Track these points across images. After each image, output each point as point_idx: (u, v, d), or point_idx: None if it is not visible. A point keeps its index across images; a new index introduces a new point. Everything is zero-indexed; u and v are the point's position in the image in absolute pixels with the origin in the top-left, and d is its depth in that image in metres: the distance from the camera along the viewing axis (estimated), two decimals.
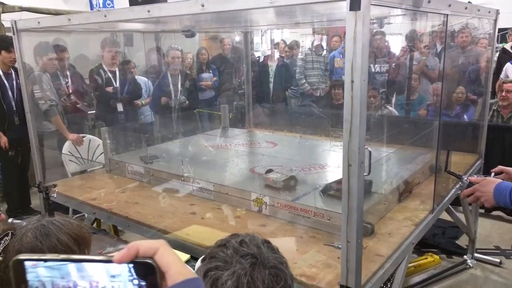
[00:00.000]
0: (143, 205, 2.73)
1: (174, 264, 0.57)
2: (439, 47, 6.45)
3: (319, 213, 2.27)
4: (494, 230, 4.24)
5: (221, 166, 3.18)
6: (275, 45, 7.81)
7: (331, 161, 3.17)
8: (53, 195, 2.46)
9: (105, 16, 2.24)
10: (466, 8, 2.60)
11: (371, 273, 1.84)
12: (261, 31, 9.73)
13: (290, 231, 2.30)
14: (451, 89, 4.92)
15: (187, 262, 2.12)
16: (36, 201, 5.16)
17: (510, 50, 6.13)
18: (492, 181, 1.79)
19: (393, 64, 6.02)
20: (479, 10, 2.90)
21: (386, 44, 6.30)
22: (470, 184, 1.86)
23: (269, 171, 2.81)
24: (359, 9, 1.44)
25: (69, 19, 2.43)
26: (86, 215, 3.95)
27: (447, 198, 2.74)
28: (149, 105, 5.30)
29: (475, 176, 1.92)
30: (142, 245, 0.56)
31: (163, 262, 0.56)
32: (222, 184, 2.74)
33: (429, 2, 1.96)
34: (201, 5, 1.82)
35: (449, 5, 2.28)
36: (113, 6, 11.10)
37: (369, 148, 1.62)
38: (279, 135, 4.10)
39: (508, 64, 5.59)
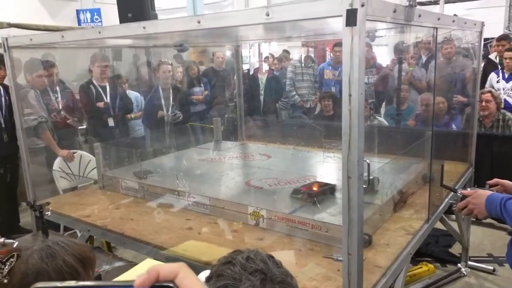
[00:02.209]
0: (138, 221, 2.71)
1: (195, 287, 0.57)
2: (424, 58, 6.58)
3: (317, 225, 2.27)
4: (485, 238, 4.28)
5: (216, 179, 3.18)
6: (265, 59, 7.87)
7: (326, 172, 3.19)
8: (47, 213, 2.43)
9: (100, 32, 2.25)
10: (453, 21, 2.66)
11: (371, 285, 1.85)
12: (249, 44, 9.83)
13: (288, 244, 2.30)
14: (439, 99, 5.00)
15: None
16: (24, 219, 5.09)
17: (494, 60, 6.25)
18: (483, 193, 1.83)
19: (381, 75, 6.10)
20: (465, 23, 2.96)
21: (373, 55, 6.39)
22: (464, 197, 1.89)
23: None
24: (355, 25, 1.47)
25: (63, 36, 2.43)
26: (78, 232, 3.95)
27: (441, 208, 2.77)
28: (141, 119, 5.29)
29: (468, 189, 1.96)
30: (162, 268, 0.56)
31: (184, 286, 0.56)
32: (218, 198, 2.73)
33: (419, 16, 2.00)
34: (197, 21, 1.84)
35: (438, 19, 2.33)
36: (101, 21, 11.12)
37: (367, 160, 1.64)
38: (272, 147, 4.12)
39: (492, 73, 5.70)
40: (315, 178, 3.06)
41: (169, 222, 2.67)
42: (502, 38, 6.19)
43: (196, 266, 2.15)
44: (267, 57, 7.92)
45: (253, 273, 1.03)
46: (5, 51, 2.82)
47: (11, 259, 1.20)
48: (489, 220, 4.48)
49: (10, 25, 5.81)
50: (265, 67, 8.13)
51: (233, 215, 2.61)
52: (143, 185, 3.07)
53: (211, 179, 3.20)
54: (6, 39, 2.78)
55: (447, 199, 2.90)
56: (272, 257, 1.13)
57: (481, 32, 3.37)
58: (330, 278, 1.94)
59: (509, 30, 9.91)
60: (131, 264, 2.39)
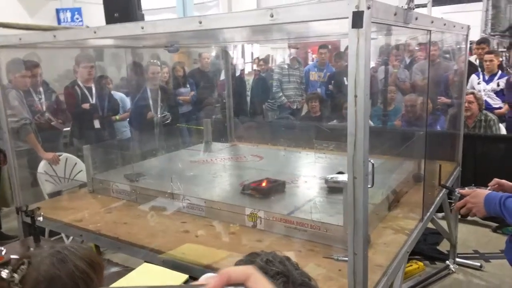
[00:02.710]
0: (132, 225, 2.67)
1: None
2: (407, 60, 6.69)
3: (316, 225, 2.28)
4: (470, 235, 4.37)
5: (210, 181, 3.16)
6: (254, 60, 7.89)
7: (320, 172, 3.20)
8: (39, 218, 2.36)
9: (95, 32, 2.21)
10: (444, 24, 2.71)
11: (374, 284, 1.86)
12: (233, 45, 9.83)
13: (287, 245, 2.30)
14: (424, 100, 5.08)
15: (185, 282, 2.08)
16: (5, 224, 4.97)
17: (474, 62, 6.40)
18: (482, 193, 1.87)
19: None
20: (454, 26, 3.02)
21: None
22: (462, 196, 1.93)
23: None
24: (361, 27, 1.48)
25: (55, 36, 2.38)
26: (64, 237, 3.87)
27: (433, 206, 2.82)
28: (128, 121, 5.23)
29: (466, 188, 2.00)
30: (234, 271, 0.56)
31: None
32: (214, 200, 2.72)
33: (416, 19, 2.03)
34: (198, 22, 1.83)
35: (432, 22, 2.38)
36: (82, 21, 10.94)
37: (371, 161, 1.65)
38: (264, 148, 4.12)
39: (473, 75, 5.83)
40: (308, 178, 3.07)
41: (164, 225, 2.64)
42: (482, 41, 6.36)
43: (196, 270, 2.14)
44: (257, 58, 7.94)
45: (275, 276, 1.02)
46: None
47: (22, 266, 1.17)
48: (473, 218, 4.58)
49: None
50: (248, 68, 8.13)
51: (229, 217, 2.59)
52: (136, 188, 3.02)
53: (205, 181, 3.18)
54: None
55: (438, 198, 2.95)
56: (289, 259, 1.13)
57: (467, 35, 3.44)
58: (332, 279, 1.95)
59: (486, 34, 10.14)
60: (127, 269, 2.35)
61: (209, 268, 2.14)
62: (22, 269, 1.17)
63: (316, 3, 1.57)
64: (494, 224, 4.36)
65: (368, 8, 1.47)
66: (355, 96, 1.53)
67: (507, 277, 3.49)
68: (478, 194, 1.85)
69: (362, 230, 1.61)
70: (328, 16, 1.57)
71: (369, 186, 1.64)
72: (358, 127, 1.54)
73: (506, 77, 5.50)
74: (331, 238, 2.23)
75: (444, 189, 3.02)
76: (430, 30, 2.40)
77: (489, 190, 1.95)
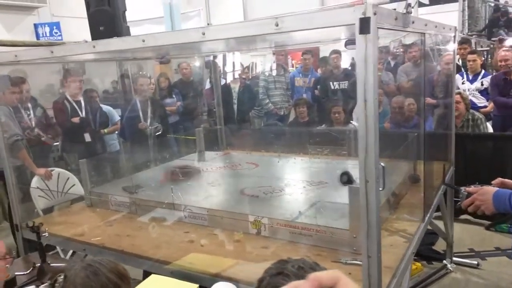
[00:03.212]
0: (135, 237, 2.65)
1: None
2: (392, 62, 6.81)
3: (321, 230, 2.30)
4: (464, 233, 4.44)
5: (209, 190, 3.15)
6: (244, 69, 7.91)
7: (316, 177, 3.22)
8: (44, 234, 2.33)
9: (94, 47, 2.20)
10: (436, 26, 2.78)
11: (386, 285, 1.88)
12: (213, 55, 9.85)
13: (294, 251, 2.31)
14: (410, 101, 5.17)
15: None
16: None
17: (457, 62, 6.54)
18: (490, 190, 1.92)
19: (353, 80, 6.24)
20: (444, 28, 3.10)
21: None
22: (469, 194, 1.97)
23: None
24: (369, 33, 1.51)
25: (52, 52, 2.36)
26: (60, 251, 3.81)
27: (432, 207, 2.87)
28: (117, 133, 5.19)
29: (472, 186, 2.04)
30: (323, 276, 0.57)
31: None
32: (216, 208, 2.72)
33: (413, 22, 2.08)
34: (202, 33, 1.84)
35: (425, 25, 2.43)
36: (61, 35, 10.82)
37: (382, 164, 1.68)
38: (257, 155, 4.13)
39: (457, 75, 5.95)
40: (308, 183, 3.09)
41: (168, 236, 2.63)
42: (464, 42, 6.50)
43: (205, 279, 2.13)
44: (247, 67, 7.98)
45: None
46: None
47: (60, 280, 1.19)
48: (465, 216, 4.66)
49: None
50: (231, 77, 8.13)
51: (233, 225, 2.60)
52: (135, 200, 3.00)
53: (204, 190, 3.18)
54: None
55: (436, 199, 3.01)
56: (318, 264, 1.15)
57: (454, 37, 3.53)
58: None
59: (463, 34, 10.38)
60: (135, 281, 2.33)
61: (218, 277, 2.14)
62: (60, 283, 1.19)
63: (322, 11, 1.60)
64: (487, 222, 4.45)
65: (375, 14, 1.50)
66: (365, 101, 1.56)
67: (504, 274, 3.57)
68: (486, 192, 1.89)
69: (375, 233, 1.64)
70: (334, 23, 1.60)
71: (380, 189, 1.67)
72: (369, 131, 1.57)
73: (489, 76, 5.64)
74: (337, 242, 2.25)
75: (441, 189, 3.07)
76: (425, 33, 2.46)
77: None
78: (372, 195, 1.61)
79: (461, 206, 2.04)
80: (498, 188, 1.90)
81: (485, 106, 5.55)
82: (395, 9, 1.90)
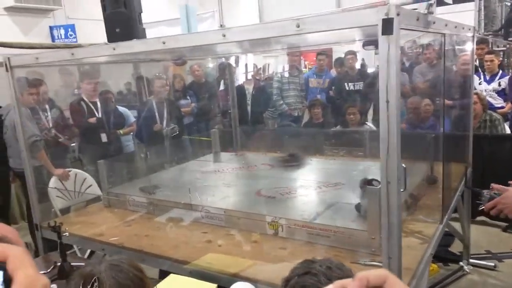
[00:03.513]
0: (154, 237, 2.68)
1: None
2: (407, 63, 6.76)
3: (340, 231, 2.30)
4: (481, 235, 4.40)
5: (226, 191, 3.17)
6: (258, 71, 7.94)
7: (333, 178, 3.22)
8: (65, 233, 2.37)
9: (114, 49, 2.23)
10: (456, 27, 2.76)
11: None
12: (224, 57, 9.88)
13: (312, 252, 2.31)
14: (426, 101, 5.13)
15: None
16: None
17: (474, 62, 6.47)
18: None
19: (368, 81, 6.21)
20: (463, 28, 3.07)
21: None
22: (491, 197, 1.96)
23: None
24: (392, 33, 1.51)
25: (73, 54, 2.40)
26: (77, 250, 3.86)
27: (450, 208, 2.84)
28: (132, 134, 5.24)
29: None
30: (371, 274, 0.57)
31: None
32: (233, 209, 2.73)
33: (434, 23, 2.07)
34: (222, 35, 1.85)
35: (446, 25, 2.42)
36: (75, 37, 10.95)
37: (404, 165, 1.68)
38: (272, 156, 4.13)
39: (474, 76, 5.89)
40: (324, 184, 3.09)
41: (186, 236, 2.65)
42: (481, 41, 6.42)
43: (224, 279, 2.15)
44: (261, 68, 8.00)
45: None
46: (7, 70, 2.75)
47: (95, 284, 1.22)
48: (482, 218, 4.61)
49: None
50: (243, 78, 8.14)
51: (250, 225, 2.61)
52: (153, 200, 3.03)
53: (220, 191, 3.19)
54: (9, 58, 2.72)
55: (454, 200, 2.98)
56: (344, 265, 1.15)
57: (473, 36, 3.50)
58: None
59: (479, 34, 10.27)
60: (152, 281, 2.36)
61: (236, 277, 2.15)
62: (96, 286, 1.21)
63: (343, 13, 1.61)
64: (504, 224, 4.40)
65: (398, 14, 1.50)
66: (387, 102, 1.55)
67: None
68: (509, 195, 1.88)
69: (396, 234, 1.63)
70: (357, 24, 1.60)
71: (401, 190, 1.66)
72: (391, 132, 1.57)
73: (507, 77, 5.58)
74: (355, 243, 2.25)
75: (459, 191, 3.05)
76: (444, 33, 2.44)
77: None
78: (394, 196, 1.60)
79: (483, 209, 2.03)
80: None
81: (503, 107, 5.49)
82: (416, 9, 1.90)
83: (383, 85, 1.55)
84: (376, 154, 3.60)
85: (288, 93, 6.82)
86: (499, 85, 5.58)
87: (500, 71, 5.74)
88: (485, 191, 2.07)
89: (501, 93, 5.58)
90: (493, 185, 2.01)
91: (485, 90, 5.60)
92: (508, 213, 1.90)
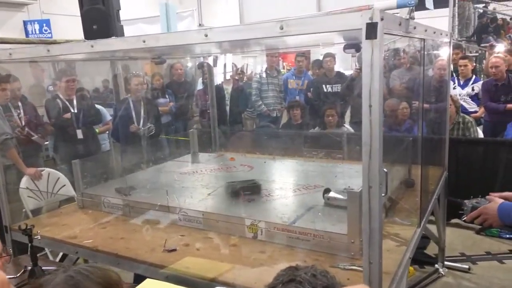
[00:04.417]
0: (130, 240, 2.61)
1: None
2: (386, 66, 6.83)
3: (319, 234, 2.29)
4: (455, 238, 4.48)
5: (204, 193, 3.12)
6: (237, 71, 7.89)
7: (314, 181, 3.21)
8: (36, 237, 2.28)
9: (92, 46, 2.16)
10: (434, 32, 2.78)
11: None
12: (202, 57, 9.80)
13: (291, 256, 2.30)
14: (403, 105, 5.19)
15: None
16: None
17: None
18: (496, 202, 1.93)
19: (346, 83, 6.25)
20: (441, 34, 3.11)
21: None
22: (474, 207, 1.98)
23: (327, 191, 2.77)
24: (375, 38, 1.50)
25: (48, 50, 2.32)
26: (48, 253, 3.75)
27: (428, 211, 2.87)
28: (108, 133, 5.14)
29: (474, 199, 2.05)
30: None
31: None
32: (212, 211, 2.69)
33: (414, 28, 2.09)
34: (204, 35, 1.81)
35: (425, 30, 2.44)
36: (50, 33, 10.69)
37: (385, 169, 1.67)
38: (252, 157, 4.11)
39: None
40: (304, 187, 3.08)
41: (162, 239, 2.58)
42: (455, 47, 6.56)
43: (201, 284, 2.11)
44: (236, 68, 7.95)
45: None
46: None
47: None
48: (456, 220, 4.69)
49: None
50: (221, 78, 8.08)
51: (228, 228, 2.57)
52: (129, 202, 2.96)
53: (198, 193, 3.14)
54: None
55: (431, 203, 3.01)
56: (329, 272, 1.13)
57: (450, 42, 3.55)
58: None
59: (453, 40, 10.48)
60: (128, 285, 2.30)
61: (215, 282, 2.11)
62: None
63: (327, 16, 1.59)
64: (478, 226, 4.48)
65: (382, 19, 1.49)
66: (370, 106, 1.55)
67: (495, 279, 3.60)
68: (492, 206, 1.91)
69: (377, 239, 1.63)
70: (341, 27, 1.59)
71: (383, 194, 1.66)
72: (373, 136, 1.56)
73: (480, 82, 5.70)
74: (335, 247, 2.24)
75: (435, 194, 3.09)
76: (424, 39, 2.46)
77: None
78: (375, 200, 1.60)
79: (465, 219, 2.05)
80: (502, 201, 1.91)
81: (476, 112, 5.61)
82: (398, 14, 1.90)
83: (366, 90, 1.54)
84: (354, 157, 3.65)
85: (267, 93, 6.80)
86: (473, 89, 5.71)
87: (474, 76, 5.86)
88: (466, 201, 2.09)
89: (474, 97, 5.71)
90: (490, 194, 2.02)
91: (459, 95, 5.71)
92: (492, 222, 1.92)
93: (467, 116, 4.95)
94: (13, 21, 10.88)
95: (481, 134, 5.09)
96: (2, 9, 9.79)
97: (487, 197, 2.01)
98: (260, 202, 2.90)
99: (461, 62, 5.89)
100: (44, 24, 10.86)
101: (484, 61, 8.70)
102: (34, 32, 10.87)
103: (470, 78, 5.83)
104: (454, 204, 2.69)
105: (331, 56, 6.43)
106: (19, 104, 4.57)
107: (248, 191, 2.95)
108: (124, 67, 6.15)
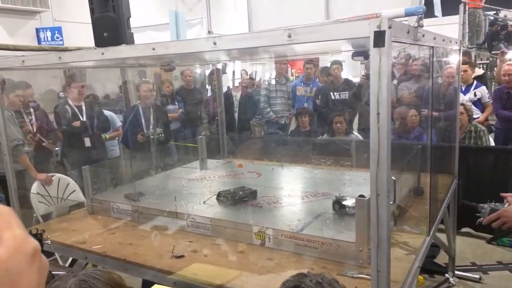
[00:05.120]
0: (138, 246, 2.62)
1: None
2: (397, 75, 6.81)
3: (327, 242, 2.28)
4: (466, 247, 4.43)
5: (212, 199, 3.12)
6: (244, 79, 7.94)
7: (322, 188, 3.20)
8: (47, 242, 2.30)
9: (103, 54, 2.19)
10: (443, 40, 2.78)
11: None
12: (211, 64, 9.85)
13: (299, 263, 2.29)
14: (412, 112, 5.17)
15: None
16: None
17: None
18: None
19: (353, 90, 6.24)
20: (450, 41, 3.10)
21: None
22: (492, 210, 1.96)
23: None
24: (383, 46, 1.51)
25: (60, 57, 2.35)
26: (58, 258, 3.77)
27: (437, 220, 2.85)
28: (120, 139, 5.18)
29: (485, 205, 2.04)
30: None
31: None
32: (220, 218, 2.69)
33: (423, 36, 2.08)
34: (213, 43, 1.83)
35: (434, 38, 2.44)
36: (62, 40, 10.83)
37: (393, 177, 1.67)
38: (260, 164, 4.11)
39: None
40: (312, 194, 3.08)
41: (171, 246, 2.59)
42: (462, 54, 6.50)
43: None
44: (250, 75, 8.00)
45: None
46: None
47: None
48: (467, 229, 4.64)
49: None
50: (228, 84, 8.10)
51: (236, 235, 2.57)
52: (138, 208, 2.98)
53: (207, 199, 3.14)
54: None
55: (441, 212, 2.99)
56: (337, 281, 1.13)
57: (459, 49, 3.54)
58: None
59: (464, 47, 10.41)
60: None
61: None
62: None
63: (335, 24, 1.60)
64: (489, 236, 4.43)
65: (390, 27, 1.50)
66: (378, 114, 1.55)
67: None
68: (511, 208, 1.90)
69: (385, 247, 1.62)
70: (349, 35, 1.59)
71: (391, 202, 1.65)
72: (381, 144, 1.56)
73: (481, 87, 5.68)
74: (343, 255, 2.23)
75: (445, 202, 3.06)
76: (433, 46, 2.46)
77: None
78: (383, 208, 1.59)
79: (481, 222, 2.03)
80: None
81: (478, 117, 5.57)
82: (406, 21, 1.90)
83: (374, 98, 1.55)
84: (362, 164, 3.64)
85: (275, 100, 6.82)
86: (475, 95, 5.67)
87: (475, 82, 5.82)
88: (482, 205, 2.07)
89: (477, 103, 5.67)
90: (502, 194, 2.01)
91: (461, 101, 5.67)
92: (511, 226, 1.91)
93: (479, 125, 4.91)
94: (26, 28, 11.05)
95: (492, 142, 5.05)
96: (15, 17, 9.95)
97: (508, 198, 1.99)
98: (268, 209, 2.89)
99: (462, 67, 5.85)
100: (56, 32, 11.01)
101: (495, 68, 8.64)
102: (46, 39, 11.03)
103: (472, 84, 5.79)
104: (469, 208, 2.65)
105: (338, 63, 6.44)
106: (31, 110, 4.63)
107: (245, 198, 2.96)
108: (137, 74, 6.23)
